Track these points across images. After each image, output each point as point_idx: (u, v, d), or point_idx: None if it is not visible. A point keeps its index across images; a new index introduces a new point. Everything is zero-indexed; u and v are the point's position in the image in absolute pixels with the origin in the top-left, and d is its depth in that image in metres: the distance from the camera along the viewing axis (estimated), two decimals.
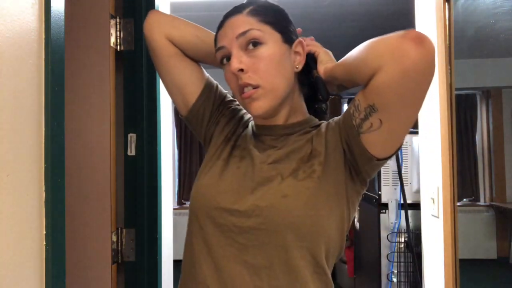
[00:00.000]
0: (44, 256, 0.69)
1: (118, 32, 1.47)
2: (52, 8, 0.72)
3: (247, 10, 0.83)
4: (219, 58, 0.85)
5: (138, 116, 1.47)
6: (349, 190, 0.82)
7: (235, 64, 0.79)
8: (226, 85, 0.90)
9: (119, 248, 1.46)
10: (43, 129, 0.70)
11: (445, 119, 1.66)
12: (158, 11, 0.98)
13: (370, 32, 0.89)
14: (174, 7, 1.85)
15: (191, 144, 5.53)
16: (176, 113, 4.77)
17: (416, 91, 0.69)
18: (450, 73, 1.65)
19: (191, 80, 0.94)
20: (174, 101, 0.98)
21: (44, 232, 0.70)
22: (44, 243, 0.69)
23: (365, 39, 0.76)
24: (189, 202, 0.90)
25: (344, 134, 0.80)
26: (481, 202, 5.25)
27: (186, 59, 0.95)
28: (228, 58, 0.83)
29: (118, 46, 1.47)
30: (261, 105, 0.81)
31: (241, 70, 0.80)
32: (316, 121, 0.90)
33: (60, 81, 0.75)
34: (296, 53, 0.86)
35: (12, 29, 0.65)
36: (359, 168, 0.80)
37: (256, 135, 0.90)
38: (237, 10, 0.84)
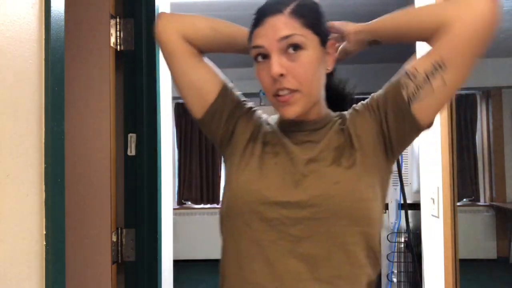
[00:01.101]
0: (44, 256, 0.69)
1: (118, 32, 1.47)
2: (52, 8, 0.72)
3: (289, 10, 0.80)
4: (254, 55, 0.84)
5: (138, 116, 1.47)
6: (385, 172, 0.85)
7: (276, 68, 0.78)
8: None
9: (119, 248, 1.46)
10: (43, 129, 0.70)
11: (445, 119, 1.66)
12: (166, 12, 0.96)
13: None
14: (174, 7, 1.85)
15: (191, 144, 5.52)
16: (176, 113, 4.74)
17: (486, 39, 0.74)
18: None
19: (209, 79, 0.92)
20: (188, 103, 0.94)
21: (44, 232, 0.70)
22: (44, 243, 0.69)
23: None
24: (226, 203, 0.85)
25: (383, 114, 0.83)
26: (481, 202, 5.25)
27: (202, 59, 0.94)
28: (264, 56, 0.82)
29: (118, 46, 1.47)
30: (295, 109, 0.81)
31: (281, 74, 0.79)
32: (331, 112, 0.92)
33: (60, 81, 0.75)
34: (328, 53, 0.86)
35: (12, 29, 0.65)
36: (396, 147, 0.84)
37: (285, 131, 0.89)
38: (277, 8, 0.81)
